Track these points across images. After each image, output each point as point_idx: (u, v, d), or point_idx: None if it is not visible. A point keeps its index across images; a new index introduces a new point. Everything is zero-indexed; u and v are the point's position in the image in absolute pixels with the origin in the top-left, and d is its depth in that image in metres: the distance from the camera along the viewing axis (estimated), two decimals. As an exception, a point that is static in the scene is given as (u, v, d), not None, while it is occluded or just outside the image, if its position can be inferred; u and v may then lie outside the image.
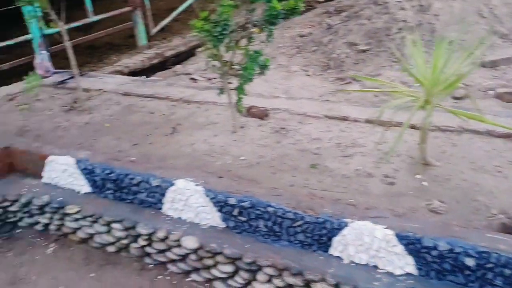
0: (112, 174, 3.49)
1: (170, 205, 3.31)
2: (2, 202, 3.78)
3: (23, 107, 4.81)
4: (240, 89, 3.77)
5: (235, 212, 3.04)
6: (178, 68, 7.76)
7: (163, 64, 8.56)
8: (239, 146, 3.78)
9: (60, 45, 7.52)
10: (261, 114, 4.30)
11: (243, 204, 2.98)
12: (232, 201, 3.02)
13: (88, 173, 3.63)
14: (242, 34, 3.53)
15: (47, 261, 3.50)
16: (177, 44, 9.15)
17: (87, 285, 3.23)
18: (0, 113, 4.89)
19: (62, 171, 3.76)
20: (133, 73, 7.69)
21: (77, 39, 7.89)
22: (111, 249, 3.50)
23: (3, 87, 5.68)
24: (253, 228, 3.03)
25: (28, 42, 7.04)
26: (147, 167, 3.52)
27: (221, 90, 3.88)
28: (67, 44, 4.49)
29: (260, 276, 2.87)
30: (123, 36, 10.28)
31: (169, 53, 8.71)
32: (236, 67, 3.73)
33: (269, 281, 2.86)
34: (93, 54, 9.11)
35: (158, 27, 9.45)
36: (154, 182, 3.33)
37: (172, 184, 3.27)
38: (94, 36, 8.59)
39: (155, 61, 8.46)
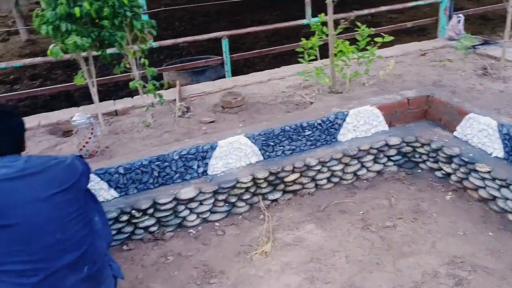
0: (540, 147, 3.43)
1: None
2: (414, 142, 4.29)
3: (443, 63, 5.19)
4: None
5: None
6: None
7: None
8: None
9: (463, 11, 7.66)
10: None
11: None
12: None
13: (508, 138, 3.68)
14: None
15: (445, 205, 3.82)
16: None
17: (485, 240, 3.38)
18: (416, 65, 5.42)
19: (479, 130, 3.92)
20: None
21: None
22: (511, 217, 3.53)
23: (415, 43, 6.25)
24: None
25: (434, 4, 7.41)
26: None
27: None
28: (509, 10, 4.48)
29: None
30: (521, 10, 9.56)
31: None
32: None
33: None
34: (485, 24, 8.89)
35: None
36: None
37: None
38: (492, 8, 8.33)
39: (557, 41, 7.57)
